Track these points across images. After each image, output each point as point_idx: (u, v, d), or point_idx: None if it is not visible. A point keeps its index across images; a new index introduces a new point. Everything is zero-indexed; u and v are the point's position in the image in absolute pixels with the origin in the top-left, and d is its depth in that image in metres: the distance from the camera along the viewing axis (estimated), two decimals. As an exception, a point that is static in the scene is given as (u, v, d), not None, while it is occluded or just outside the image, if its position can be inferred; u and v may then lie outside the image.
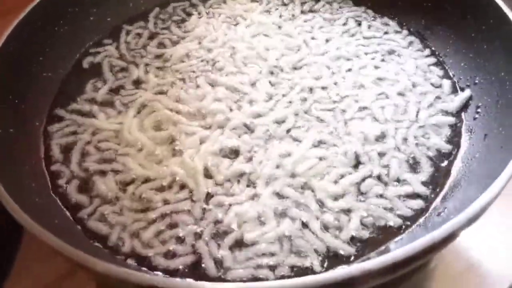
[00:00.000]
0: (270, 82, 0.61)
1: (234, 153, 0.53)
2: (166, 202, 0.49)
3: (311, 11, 0.73)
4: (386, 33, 0.68)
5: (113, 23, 0.72)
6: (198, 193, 0.49)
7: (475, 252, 0.52)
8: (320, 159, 0.51)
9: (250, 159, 0.52)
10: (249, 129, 0.55)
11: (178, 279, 0.36)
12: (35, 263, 0.53)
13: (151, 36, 0.70)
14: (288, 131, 0.55)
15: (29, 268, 0.53)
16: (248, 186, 0.50)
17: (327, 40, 0.66)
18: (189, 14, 0.74)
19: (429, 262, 0.51)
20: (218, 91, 0.59)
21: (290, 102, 0.58)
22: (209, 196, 0.49)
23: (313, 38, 0.67)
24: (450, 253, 0.52)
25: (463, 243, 0.53)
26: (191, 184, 0.50)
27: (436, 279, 0.51)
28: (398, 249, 0.35)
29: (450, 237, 0.36)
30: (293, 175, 0.50)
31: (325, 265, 0.44)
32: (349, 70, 0.62)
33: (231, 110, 0.57)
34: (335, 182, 0.50)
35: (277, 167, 0.51)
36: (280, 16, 0.72)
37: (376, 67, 0.62)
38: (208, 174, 0.51)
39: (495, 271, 0.51)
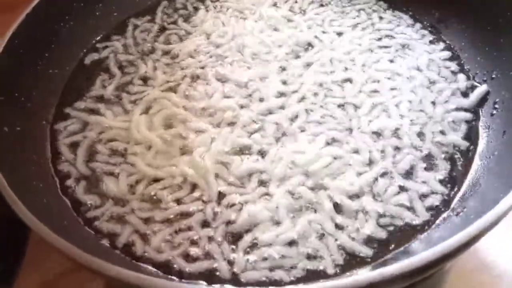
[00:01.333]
0: (280, 77, 0.59)
1: (245, 152, 0.52)
2: (176, 202, 0.48)
3: (321, 4, 0.71)
4: (398, 26, 0.66)
5: (119, 18, 0.71)
6: (209, 193, 0.48)
7: (490, 252, 0.51)
8: (334, 157, 0.50)
9: (262, 158, 0.51)
10: (260, 126, 0.54)
11: (191, 284, 0.34)
12: (44, 255, 0.53)
13: (159, 31, 0.69)
14: (300, 128, 0.53)
15: (38, 260, 0.53)
16: (260, 185, 0.49)
17: (339, 34, 0.65)
18: (197, 8, 0.73)
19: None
20: (228, 87, 0.58)
21: (302, 98, 0.57)
22: (221, 196, 0.48)
23: (324, 32, 0.65)
24: (465, 253, 0.51)
25: (479, 244, 0.51)
26: (201, 184, 0.49)
27: (450, 279, 0.50)
28: (421, 254, 0.33)
29: (474, 240, 0.35)
30: (306, 174, 0.49)
31: (342, 267, 0.43)
32: (363, 65, 0.60)
33: (241, 107, 0.56)
34: (350, 181, 0.48)
35: (290, 165, 0.50)
36: (290, 9, 0.70)
37: (390, 62, 0.61)
38: (219, 174, 0.50)
39: (510, 271, 0.50)
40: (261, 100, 0.57)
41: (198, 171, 0.50)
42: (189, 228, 0.46)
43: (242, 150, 0.52)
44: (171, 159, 0.52)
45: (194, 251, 0.44)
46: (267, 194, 0.48)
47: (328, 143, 0.52)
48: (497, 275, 0.50)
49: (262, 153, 0.51)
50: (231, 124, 0.54)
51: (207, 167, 0.50)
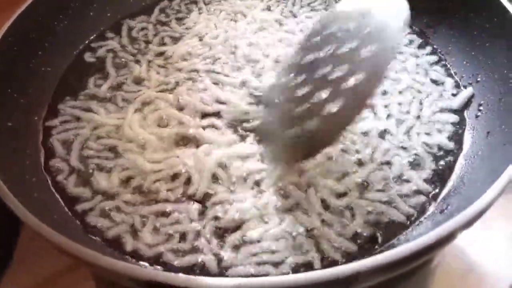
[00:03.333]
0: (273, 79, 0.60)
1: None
2: (167, 197, 0.49)
3: (312, 8, 0.72)
4: (387, 30, 0.68)
5: (114, 18, 0.72)
6: (202, 189, 0.49)
7: (475, 253, 0.53)
8: (327, 157, 0.51)
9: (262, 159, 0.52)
10: (255, 122, 0.55)
11: (177, 274, 0.35)
12: (33, 258, 0.53)
13: (153, 33, 0.70)
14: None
15: (27, 263, 0.53)
16: (254, 184, 0.49)
17: (329, 37, 0.66)
18: (190, 10, 0.74)
19: (431, 260, 0.51)
20: (222, 88, 0.59)
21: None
22: (212, 193, 0.49)
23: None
24: (450, 253, 0.52)
25: (464, 243, 0.53)
26: (196, 178, 0.50)
27: (436, 279, 0.51)
28: (400, 247, 0.34)
29: (451, 236, 0.36)
30: (298, 173, 0.50)
31: (329, 262, 0.44)
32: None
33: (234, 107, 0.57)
34: (338, 180, 0.49)
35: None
36: (282, 13, 0.71)
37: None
38: (216, 173, 0.50)
39: (495, 272, 0.51)
40: (257, 99, 0.57)
41: (197, 166, 0.50)
42: (179, 223, 0.47)
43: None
44: (165, 154, 0.52)
45: (182, 246, 0.45)
46: (258, 191, 0.49)
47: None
48: (482, 274, 0.51)
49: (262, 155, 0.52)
50: (227, 125, 0.55)
51: (207, 164, 0.50)
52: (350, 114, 0.39)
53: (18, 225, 0.55)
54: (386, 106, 0.56)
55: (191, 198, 0.49)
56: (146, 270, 0.34)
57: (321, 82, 0.42)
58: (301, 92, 0.43)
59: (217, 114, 0.56)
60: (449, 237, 0.36)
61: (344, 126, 0.40)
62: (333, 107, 0.39)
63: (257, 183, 0.49)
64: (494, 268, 0.52)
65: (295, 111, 0.42)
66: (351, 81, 0.38)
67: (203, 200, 0.48)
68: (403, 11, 0.42)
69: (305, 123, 0.40)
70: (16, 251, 0.54)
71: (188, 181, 0.50)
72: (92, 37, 0.69)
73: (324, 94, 0.40)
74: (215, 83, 0.60)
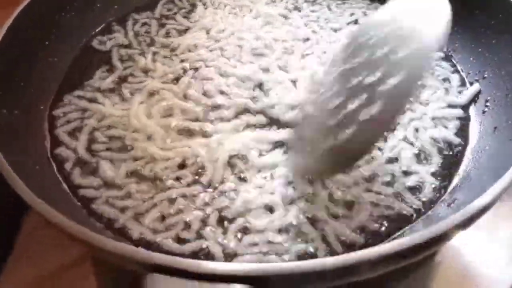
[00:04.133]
0: (280, 70, 0.61)
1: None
2: (175, 186, 0.49)
3: (315, 2, 0.73)
4: (393, 26, 0.68)
5: (120, 11, 0.72)
6: (212, 178, 0.49)
7: (473, 255, 0.53)
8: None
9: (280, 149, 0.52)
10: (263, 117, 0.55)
11: (186, 259, 0.35)
12: (35, 253, 0.53)
13: (159, 26, 0.70)
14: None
15: (31, 256, 0.53)
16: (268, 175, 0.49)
17: (335, 30, 0.67)
18: (194, 5, 0.74)
19: (435, 255, 0.51)
20: (228, 80, 0.59)
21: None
22: (222, 182, 0.49)
23: (321, 28, 0.67)
24: (451, 252, 0.52)
25: (462, 245, 0.53)
26: (209, 168, 0.49)
27: (438, 277, 0.51)
28: (404, 238, 0.34)
29: (456, 229, 0.36)
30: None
31: (333, 253, 0.43)
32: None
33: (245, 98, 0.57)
34: (346, 173, 0.49)
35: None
36: (286, 7, 0.72)
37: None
38: (231, 162, 0.50)
39: (495, 271, 0.52)
40: (264, 92, 0.58)
41: (211, 156, 0.50)
42: (184, 212, 0.47)
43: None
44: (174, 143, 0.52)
45: (188, 234, 0.45)
46: (264, 182, 0.48)
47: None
48: (482, 274, 0.52)
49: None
50: (232, 116, 0.55)
51: (221, 154, 0.50)
52: (388, 118, 0.37)
53: (19, 218, 0.55)
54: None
55: (198, 186, 0.49)
56: (154, 254, 0.34)
57: (355, 91, 0.40)
58: (335, 103, 0.41)
59: (222, 105, 0.56)
60: (454, 230, 0.36)
61: (383, 131, 0.38)
62: (369, 112, 0.37)
63: (271, 174, 0.49)
64: (494, 268, 0.52)
65: (329, 122, 0.40)
66: (389, 83, 0.36)
67: (210, 189, 0.48)
68: (442, 14, 0.39)
69: (341, 133, 0.38)
70: (18, 244, 0.54)
71: (198, 170, 0.50)
72: (98, 29, 0.69)
73: (358, 101, 0.38)
74: (221, 75, 0.60)
